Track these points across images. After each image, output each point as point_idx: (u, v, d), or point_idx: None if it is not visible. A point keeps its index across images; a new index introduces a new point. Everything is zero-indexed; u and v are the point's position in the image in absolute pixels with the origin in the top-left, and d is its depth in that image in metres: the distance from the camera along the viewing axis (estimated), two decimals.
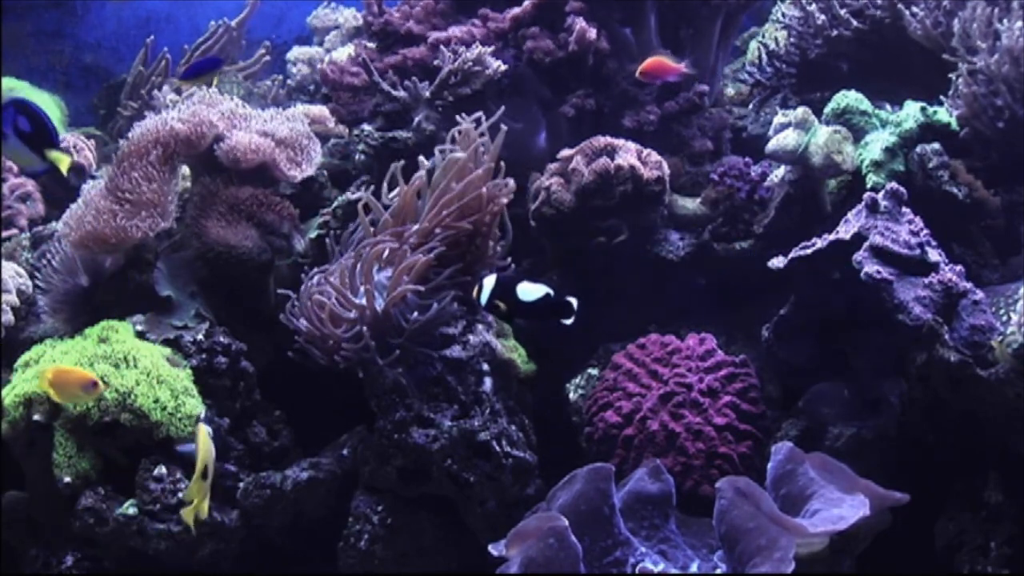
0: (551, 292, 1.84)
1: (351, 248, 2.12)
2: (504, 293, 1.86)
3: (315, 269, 2.13)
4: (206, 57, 2.47)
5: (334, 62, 2.77)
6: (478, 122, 2.13)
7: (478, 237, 2.10)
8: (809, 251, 2.05)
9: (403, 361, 2.02)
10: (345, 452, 2.19)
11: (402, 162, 2.15)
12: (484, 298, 1.86)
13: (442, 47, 2.55)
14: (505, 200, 2.12)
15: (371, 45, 2.76)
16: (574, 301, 1.85)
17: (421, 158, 2.17)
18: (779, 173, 2.47)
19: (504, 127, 2.14)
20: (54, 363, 2.00)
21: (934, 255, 1.97)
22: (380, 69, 2.60)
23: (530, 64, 2.59)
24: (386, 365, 1.98)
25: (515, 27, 2.60)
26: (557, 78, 2.60)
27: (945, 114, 2.31)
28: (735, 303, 2.45)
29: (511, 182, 2.13)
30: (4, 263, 2.44)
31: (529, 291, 1.85)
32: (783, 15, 2.98)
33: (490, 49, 2.53)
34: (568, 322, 1.85)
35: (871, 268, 1.91)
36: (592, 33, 2.51)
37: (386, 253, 2.07)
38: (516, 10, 2.60)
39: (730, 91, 3.22)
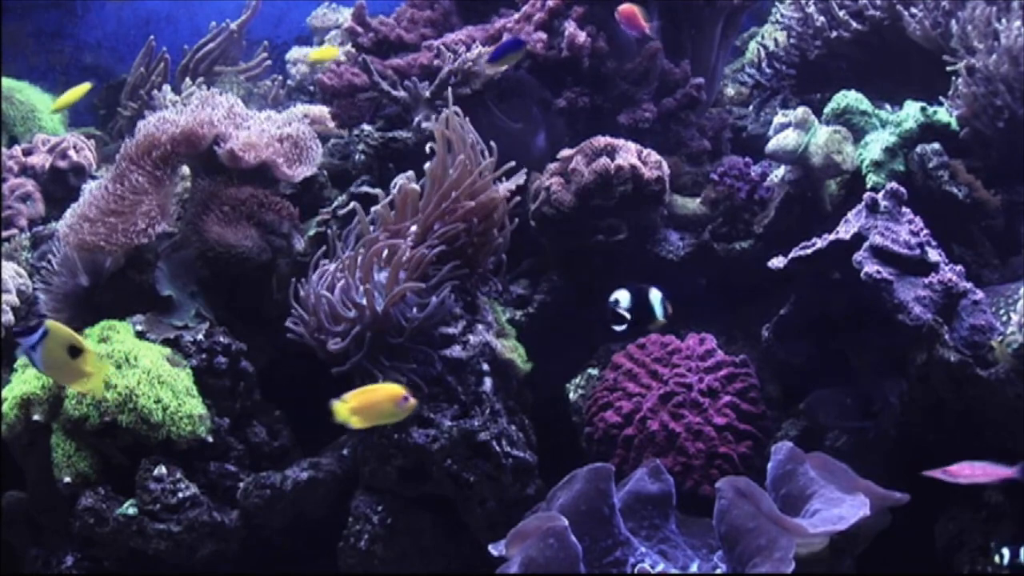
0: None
1: (351, 246, 2.12)
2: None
3: (316, 263, 2.11)
4: (509, 40, 2.43)
5: (331, 69, 2.77)
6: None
7: (480, 225, 2.09)
8: (809, 251, 2.05)
9: (403, 360, 2.02)
10: (345, 452, 2.20)
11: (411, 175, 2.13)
12: (659, 310, 1.93)
13: (442, 47, 2.56)
14: (505, 193, 2.10)
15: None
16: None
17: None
18: (779, 173, 2.47)
19: (458, 108, 2.13)
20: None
21: (934, 255, 1.97)
22: (380, 71, 2.60)
23: (530, 71, 2.58)
24: (390, 369, 1.98)
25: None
26: (556, 80, 2.60)
27: (945, 114, 2.31)
28: (735, 303, 2.45)
29: (503, 187, 2.13)
30: (4, 263, 2.44)
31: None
32: (782, 16, 2.99)
33: (490, 49, 2.54)
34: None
35: (871, 268, 1.91)
36: (581, 37, 2.50)
37: (385, 253, 2.07)
38: (509, 21, 2.60)
39: (730, 91, 3.22)
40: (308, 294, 2.04)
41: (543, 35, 2.53)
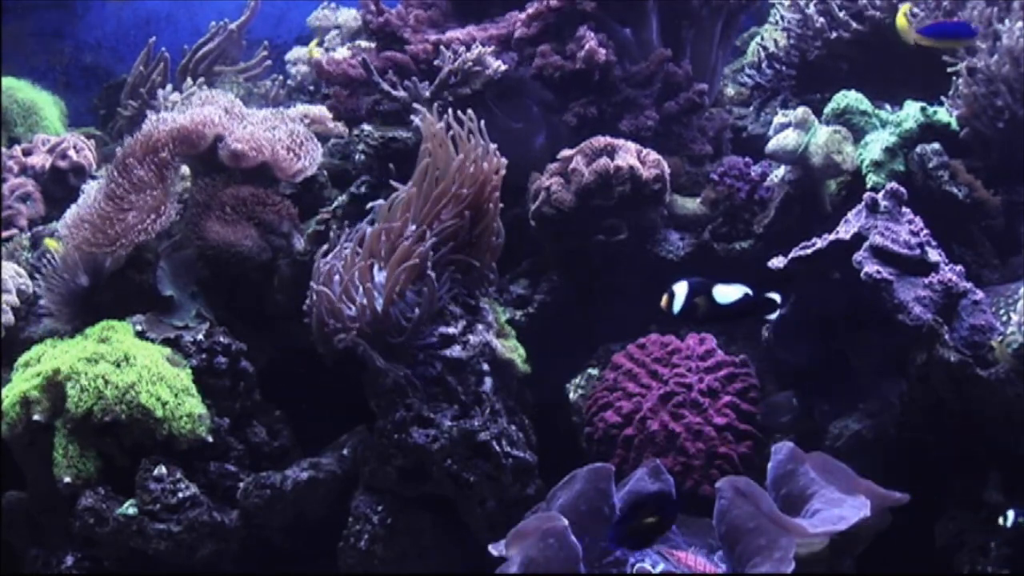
0: (750, 292, 1.78)
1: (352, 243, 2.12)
2: (700, 295, 1.80)
3: (321, 256, 2.11)
4: (955, 22, 2.33)
5: (331, 57, 2.76)
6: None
7: (478, 224, 2.09)
8: (809, 251, 2.05)
9: (403, 360, 2.02)
10: (345, 452, 2.19)
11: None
12: (679, 304, 1.79)
13: (442, 47, 2.55)
14: (498, 172, 2.08)
15: (370, 45, 2.75)
16: (777, 297, 1.80)
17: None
18: (779, 173, 2.47)
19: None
20: None
21: (934, 255, 1.97)
22: (379, 68, 2.59)
23: (538, 78, 2.58)
24: (389, 368, 1.98)
25: (520, 45, 2.59)
26: (560, 85, 2.59)
27: (945, 114, 2.31)
28: None
29: (501, 159, 2.11)
30: (4, 263, 2.44)
31: (726, 293, 1.80)
32: (782, 17, 2.98)
33: (490, 49, 2.53)
34: (772, 316, 1.80)
35: (871, 268, 1.91)
36: (602, 55, 2.49)
37: (383, 252, 2.07)
38: (521, 30, 2.59)
39: (730, 91, 3.22)
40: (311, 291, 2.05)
41: (558, 59, 2.53)
